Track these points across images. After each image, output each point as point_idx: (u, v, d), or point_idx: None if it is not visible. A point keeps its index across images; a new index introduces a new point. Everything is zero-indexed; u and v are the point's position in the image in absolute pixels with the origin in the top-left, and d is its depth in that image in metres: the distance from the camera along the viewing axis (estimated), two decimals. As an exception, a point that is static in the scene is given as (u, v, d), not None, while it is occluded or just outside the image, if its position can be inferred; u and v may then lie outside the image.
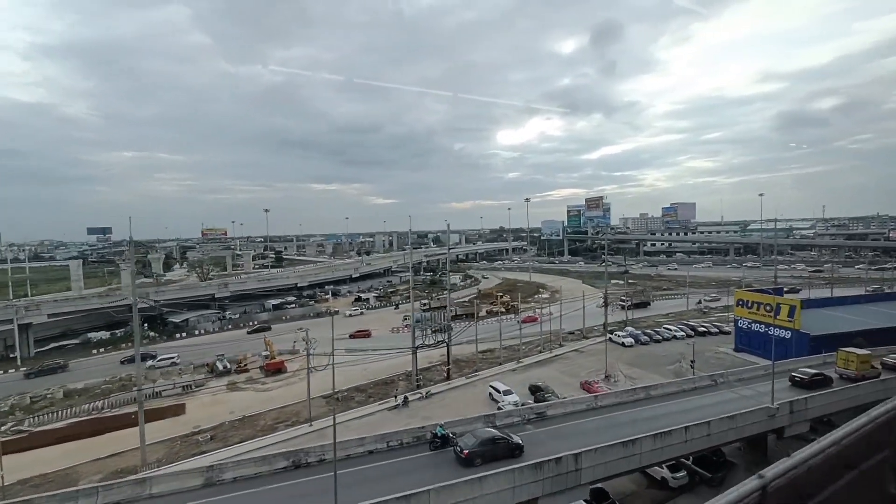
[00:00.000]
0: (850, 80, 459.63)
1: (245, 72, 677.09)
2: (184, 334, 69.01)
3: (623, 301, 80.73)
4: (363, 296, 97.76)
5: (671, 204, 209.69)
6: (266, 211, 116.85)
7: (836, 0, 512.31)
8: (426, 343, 45.82)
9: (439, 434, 24.58)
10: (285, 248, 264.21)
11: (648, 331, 62.16)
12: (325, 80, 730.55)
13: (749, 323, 51.53)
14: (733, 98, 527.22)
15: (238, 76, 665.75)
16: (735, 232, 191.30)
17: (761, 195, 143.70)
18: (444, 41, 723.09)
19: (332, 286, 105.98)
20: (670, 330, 62.30)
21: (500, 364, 52.36)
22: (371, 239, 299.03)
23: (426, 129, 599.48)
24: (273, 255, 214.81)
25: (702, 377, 34.78)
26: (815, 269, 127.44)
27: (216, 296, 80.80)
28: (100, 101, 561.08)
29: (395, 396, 41.72)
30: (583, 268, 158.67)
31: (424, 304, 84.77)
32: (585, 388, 43.21)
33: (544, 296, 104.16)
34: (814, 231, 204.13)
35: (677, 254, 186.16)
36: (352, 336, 66.24)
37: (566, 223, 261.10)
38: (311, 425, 36.84)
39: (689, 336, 60.66)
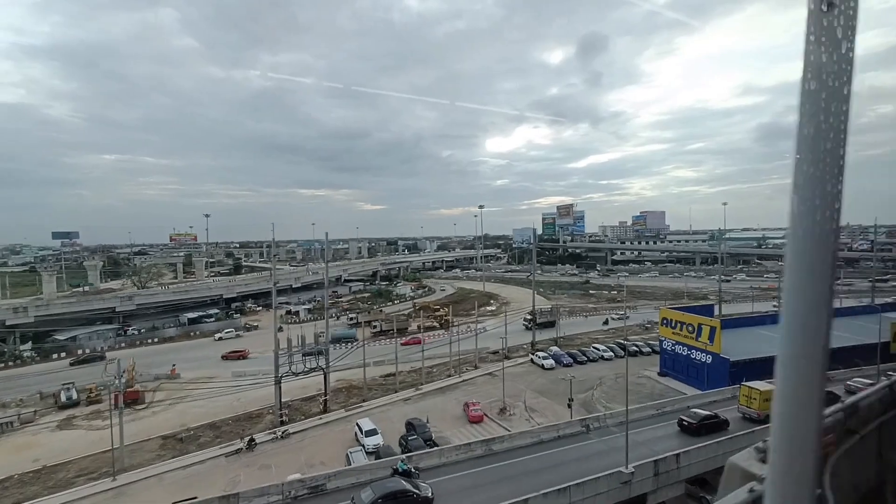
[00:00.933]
0: None
1: (233, 76, 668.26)
2: (63, 354, 60.93)
3: (526, 321, 72.96)
4: (292, 308, 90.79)
5: (641, 212, 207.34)
6: (206, 216, 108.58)
7: None
8: (293, 371, 39.38)
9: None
10: (249, 255, 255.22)
11: (574, 351, 56.63)
12: (315, 86, 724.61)
13: (673, 344, 46.34)
14: (716, 110, 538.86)
15: (226, 81, 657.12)
16: (703, 241, 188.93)
17: (724, 204, 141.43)
18: (434, 50, 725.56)
19: (254, 298, 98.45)
20: (598, 350, 56.88)
21: (396, 391, 46.15)
22: (346, 246, 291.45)
23: (414, 136, 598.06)
24: (231, 263, 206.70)
25: (571, 423, 29.05)
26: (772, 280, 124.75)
27: (117, 309, 73.07)
28: (83, 104, 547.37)
29: (242, 438, 35.18)
30: (543, 277, 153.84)
31: (352, 319, 78.28)
32: (473, 419, 37.54)
33: (490, 308, 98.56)
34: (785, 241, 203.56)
35: (646, 262, 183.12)
36: (224, 357, 59.62)
37: (542, 231, 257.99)
38: (114, 479, 30.08)
39: (617, 356, 55.33)
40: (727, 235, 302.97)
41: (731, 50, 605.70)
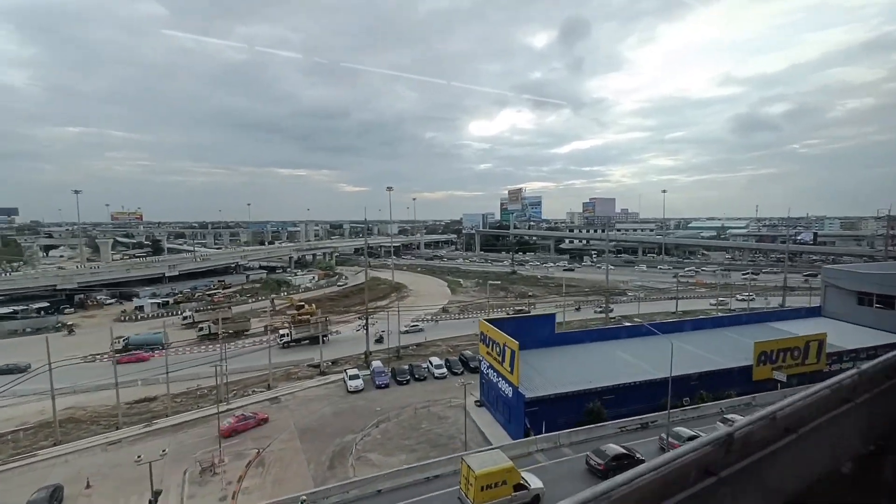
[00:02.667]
0: (799, 87, 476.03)
1: (204, 48, 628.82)
2: None
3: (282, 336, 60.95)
4: (140, 302, 77.99)
5: (590, 199, 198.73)
6: (76, 192, 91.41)
7: (790, 11, 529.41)
8: None
9: None
10: (196, 236, 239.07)
11: (405, 366, 46.22)
12: (291, 60, 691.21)
13: (488, 367, 36.26)
14: (695, 100, 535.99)
15: (196, 52, 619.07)
16: (651, 231, 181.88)
17: (664, 192, 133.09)
18: (417, 28, 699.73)
19: (106, 287, 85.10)
20: (431, 366, 46.64)
21: (118, 427, 34.83)
22: (296, 228, 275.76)
23: (396, 117, 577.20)
24: (149, 245, 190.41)
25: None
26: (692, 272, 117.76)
27: None
28: (41, 71, 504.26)
29: None
30: (472, 266, 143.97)
31: (186, 318, 66.25)
32: None
33: (383, 302, 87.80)
34: (746, 231, 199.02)
35: (591, 252, 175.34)
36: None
37: (500, 217, 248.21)
38: None
39: (454, 373, 45.24)
40: (691, 224, 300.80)
41: (712, 40, 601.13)
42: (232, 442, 32.02)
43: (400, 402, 38.66)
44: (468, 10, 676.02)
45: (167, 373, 36.14)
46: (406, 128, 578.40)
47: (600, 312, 70.62)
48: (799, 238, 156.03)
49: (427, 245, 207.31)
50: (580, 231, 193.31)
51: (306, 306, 75.05)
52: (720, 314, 62.47)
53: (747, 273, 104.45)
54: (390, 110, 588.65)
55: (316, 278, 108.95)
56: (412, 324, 62.55)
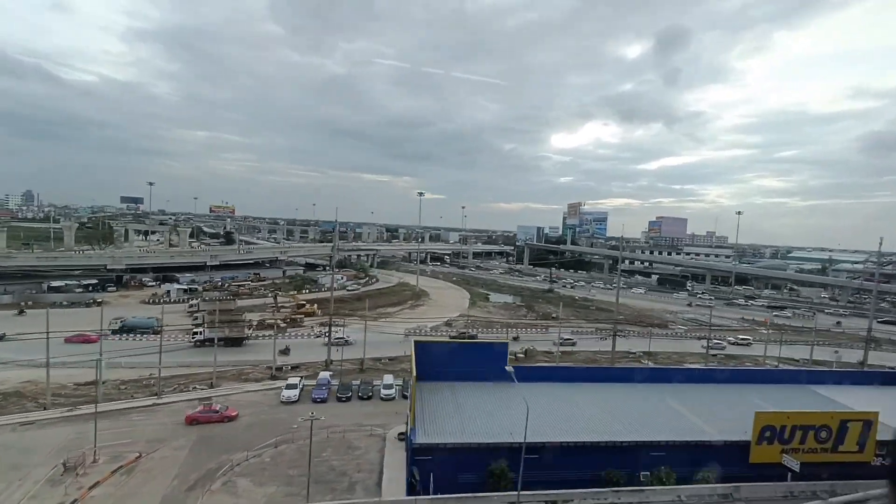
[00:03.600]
0: None
1: (310, 62, 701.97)
2: None
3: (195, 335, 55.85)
4: (168, 287, 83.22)
5: (657, 217, 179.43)
6: (150, 184, 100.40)
7: None
8: None
9: None
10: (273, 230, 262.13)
11: (356, 382, 42.33)
12: (383, 73, 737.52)
13: (410, 397, 31.15)
14: (816, 115, 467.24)
15: (304, 66, 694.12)
16: (727, 257, 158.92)
17: (739, 213, 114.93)
18: (504, 41, 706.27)
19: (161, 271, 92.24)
20: (384, 383, 42.13)
21: None
22: (356, 230, 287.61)
23: (476, 128, 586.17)
24: (223, 235, 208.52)
25: None
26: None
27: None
28: (181, 83, 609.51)
29: None
30: (512, 280, 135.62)
31: (192, 306, 68.75)
32: None
33: (393, 309, 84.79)
34: (863, 267, 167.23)
35: (653, 276, 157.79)
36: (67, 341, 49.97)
37: (562, 231, 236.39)
38: None
39: (405, 397, 40.40)
40: (792, 254, 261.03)
41: (843, 48, 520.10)
42: (123, 442, 30.58)
43: (326, 421, 34.86)
44: (558, 23, 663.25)
45: (99, 358, 36.15)
46: (485, 138, 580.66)
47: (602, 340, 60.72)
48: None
49: (478, 255, 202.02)
50: (642, 252, 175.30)
51: (307, 306, 74.89)
52: (752, 366, 50.25)
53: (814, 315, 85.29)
54: (471, 121, 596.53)
55: (344, 278, 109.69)
56: (338, 337, 57.17)
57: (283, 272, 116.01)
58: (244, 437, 31.87)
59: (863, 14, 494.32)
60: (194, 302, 69.28)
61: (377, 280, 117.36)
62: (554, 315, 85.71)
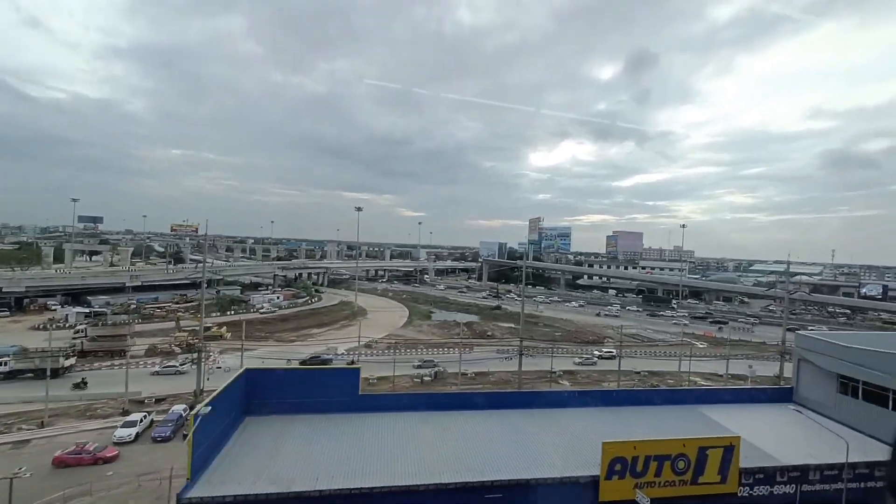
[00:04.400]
0: None
1: (292, 81, 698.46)
2: None
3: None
4: (65, 311, 76.12)
5: (613, 232, 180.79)
6: (74, 201, 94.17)
7: None
8: None
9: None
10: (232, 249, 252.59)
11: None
12: (366, 92, 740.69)
13: (232, 435, 26.72)
14: (779, 133, 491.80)
15: (285, 84, 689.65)
16: (681, 271, 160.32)
17: (683, 226, 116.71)
18: (484, 62, 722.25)
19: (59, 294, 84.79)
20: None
21: None
22: (324, 248, 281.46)
23: (457, 146, 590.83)
24: (171, 255, 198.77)
25: None
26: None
27: None
28: (157, 100, 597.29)
29: None
30: (462, 297, 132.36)
31: (78, 332, 62.32)
32: None
33: (319, 330, 79.86)
34: (818, 279, 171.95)
35: (610, 290, 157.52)
36: None
37: (528, 246, 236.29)
38: None
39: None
40: (754, 267, 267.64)
41: (802, 70, 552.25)
42: None
43: (154, 464, 29.94)
44: (536, 44, 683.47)
45: None
46: (466, 156, 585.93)
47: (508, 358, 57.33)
48: (864, 291, 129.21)
49: (444, 272, 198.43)
50: (600, 266, 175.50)
51: (213, 328, 69.36)
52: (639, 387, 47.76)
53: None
54: (452, 139, 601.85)
55: (280, 298, 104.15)
56: (168, 365, 52.06)
57: (217, 292, 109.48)
58: (37, 487, 26.61)
59: (818, 40, 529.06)
60: (81, 327, 62.82)
61: (319, 299, 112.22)
62: (489, 333, 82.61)
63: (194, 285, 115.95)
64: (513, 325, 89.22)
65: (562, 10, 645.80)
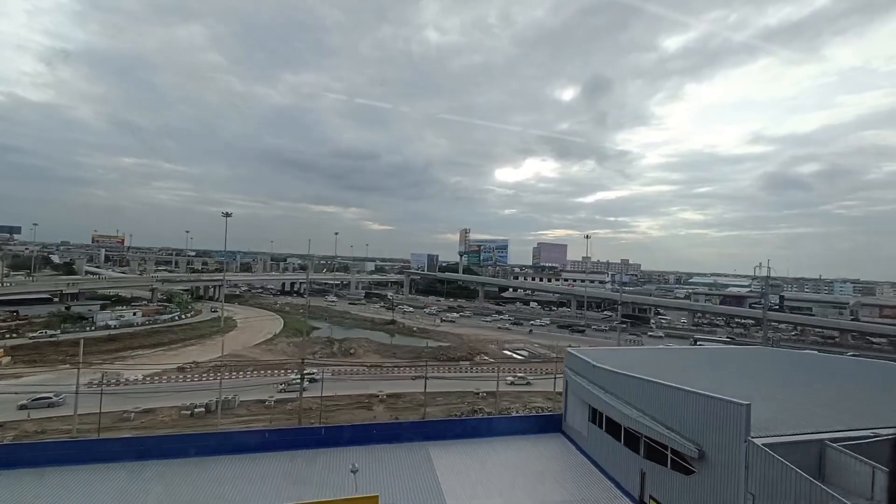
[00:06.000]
0: (832, 148, 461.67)
1: (255, 92, 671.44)
2: None
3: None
4: None
5: (538, 244, 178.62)
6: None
7: (825, 74, 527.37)
8: None
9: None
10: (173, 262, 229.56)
11: None
12: (331, 106, 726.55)
13: None
14: (725, 156, 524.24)
15: (248, 96, 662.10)
16: (601, 283, 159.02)
17: (587, 236, 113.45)
18: (450, 81, 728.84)
19: None
20: None
21: None
22: (245, 260, 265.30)
23: (424, 161, 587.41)
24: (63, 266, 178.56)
25: None
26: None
27: None
28: (108, 107, 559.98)
29: None
30: (365, 311, 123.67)
31: None
32: None
33: (147, 351, 68.81)
34: (748, 290, 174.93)
35: (532, 303, 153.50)
36: None
37: (468, 259, 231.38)
38: None
39: None
40: (692, 280, 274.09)
41: (743, 99, 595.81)
42: None
43: None
44: (501, 66, 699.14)
45: None
46: (433, 171, 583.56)
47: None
48: (763, 302, 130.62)
49: (378, 285, 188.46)
50: (525, 279, 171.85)
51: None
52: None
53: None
54: (419, 155, 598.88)
55: (139, 314, 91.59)
56: None
57: (67, 308, 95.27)
58: None
59: (755, 72, 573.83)
60: None
61: (191, 314, 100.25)
62: (352, 351, 74.28)
63: (48, 301, 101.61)
64: (384, 343, 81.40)
65: (525, 37, 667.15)
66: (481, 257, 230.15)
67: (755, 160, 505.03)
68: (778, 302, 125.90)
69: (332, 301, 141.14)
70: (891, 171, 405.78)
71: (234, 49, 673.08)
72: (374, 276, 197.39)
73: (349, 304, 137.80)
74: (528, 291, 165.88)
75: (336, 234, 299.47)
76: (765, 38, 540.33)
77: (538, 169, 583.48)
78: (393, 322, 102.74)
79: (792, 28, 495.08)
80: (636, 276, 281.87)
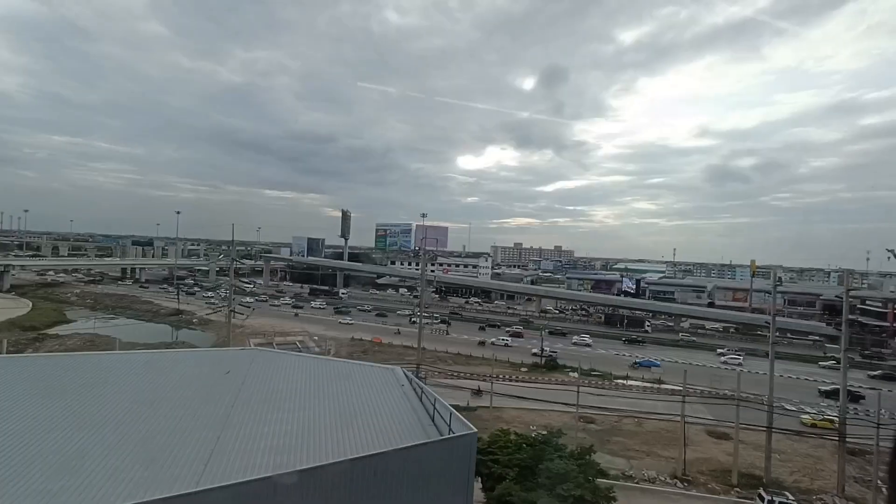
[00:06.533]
0: (768, 143, 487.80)
1: (202, 68, 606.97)
2: None
3: None
4: None
5: (417, 226, 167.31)
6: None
7: (764, 73, 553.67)
8: None
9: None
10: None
11: None
12: (287, 85, 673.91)
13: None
14: (675, 148, 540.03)
15: (194, 71, 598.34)
16: (475, 268, 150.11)
17: (423, 215, 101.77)
18: (411, 63, 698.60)
19: None
20: None
21: None
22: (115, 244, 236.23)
23: (384, 146, 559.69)
24: None
25: None
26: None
27: None
28: (34, 79, 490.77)
29: None
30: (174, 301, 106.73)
31: None
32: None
33: None
34: (661, 277, 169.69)
35: (400, 289, 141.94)
36: None
37: (374, 244, 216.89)
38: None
39: None
40: (616, 266, 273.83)
41: (692, 94, 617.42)
42: None
43: None
44: (462, 50, 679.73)
45: None
46: (394, 157, 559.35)
47: None
48: (625, 287, 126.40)
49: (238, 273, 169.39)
50: (402, 265, 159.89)
51: None
52: None
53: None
54: (380, 139, 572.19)
55: None
56: None
57: None
58: None
59: (702, 68, 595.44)
60: None
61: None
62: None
63: None
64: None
65: (486, 21, 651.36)
66: (387, 242, 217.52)
67: (702, 153, 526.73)
68: (634, 287, 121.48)
69: (170, 290, 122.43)
70: (817, 167, 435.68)
71: (177, 18, 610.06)
72: (239, 263, 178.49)
73: (167, 292, 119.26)
74: (396, 278, 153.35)
75: (179, 213, 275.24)
76: (712, 36, 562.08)
77: (499, 157, 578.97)
78: (179, 312, 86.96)
79: (737, 27, 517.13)
80: (561, 262, 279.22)
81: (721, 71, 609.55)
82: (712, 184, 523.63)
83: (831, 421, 39.68)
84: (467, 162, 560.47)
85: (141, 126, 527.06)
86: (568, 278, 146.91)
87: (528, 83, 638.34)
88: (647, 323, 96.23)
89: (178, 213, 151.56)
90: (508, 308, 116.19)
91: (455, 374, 52.58)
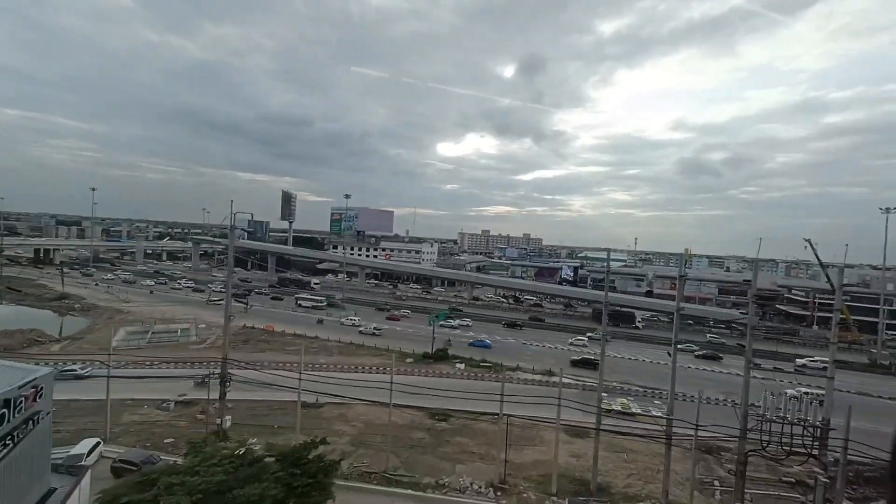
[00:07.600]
0: (738, 138, 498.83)
1: (171, 43, 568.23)
2: None
3: None
4: None
5: (361, 210, 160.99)
6: None
7: (736, 69, 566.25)
8: None
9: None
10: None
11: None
12: (262, 65, 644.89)
13: None
14: (650, 140, 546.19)
15: (162, 46, 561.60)
16: (416, 252, 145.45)
17: (347, 196, 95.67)
18: (391, 47, 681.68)
19: None
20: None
21: None
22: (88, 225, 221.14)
23: (363, 131, 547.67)
24: None
25: None
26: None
27: None
28: None
29: None
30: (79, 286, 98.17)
31: None
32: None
33: None
34: (622, 265, 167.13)
35: (338, 274, 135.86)
36: None
37: (330, 228, 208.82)
38: None
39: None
40: (581, 254, 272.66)
41: (668, 87, 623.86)
42: None
43: None
44: (444, 36, 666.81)
45: None
46: (372, 142, 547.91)
47: None
48: (564, 274, 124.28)
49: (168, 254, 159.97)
50: (335, 249, 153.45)
51: None
52: None
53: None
54: (358, 124, 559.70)
55: None
56: None
57: None
58: None
59: (677, 63, 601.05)
60: None
61: None
62: None
63: None
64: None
65: (468, 7, 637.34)
66: (342, 226, 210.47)
67: (676, 146, 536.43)
68: (572, 274, 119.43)
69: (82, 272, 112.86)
70: (783, 162, 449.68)
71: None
72: (170, 245, 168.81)
73: (83, 276, 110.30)
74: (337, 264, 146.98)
75: (94, 189, 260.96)
76: (688, 31, 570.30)
77: (478, 145, 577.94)
78: (64, 297, 79.13)
79: (712, 22, 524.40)
80: (526, 250, 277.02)
81: (696, 66, 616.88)
82: (685, 176, 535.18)
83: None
84: (447, 149, 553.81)
85: (103, 102, 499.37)
86: (512, 265, 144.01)
87: (509, 71, 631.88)
88: (639, 319, 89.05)
89: (94, 189, 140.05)
90: (454, 296, 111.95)
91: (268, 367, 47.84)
